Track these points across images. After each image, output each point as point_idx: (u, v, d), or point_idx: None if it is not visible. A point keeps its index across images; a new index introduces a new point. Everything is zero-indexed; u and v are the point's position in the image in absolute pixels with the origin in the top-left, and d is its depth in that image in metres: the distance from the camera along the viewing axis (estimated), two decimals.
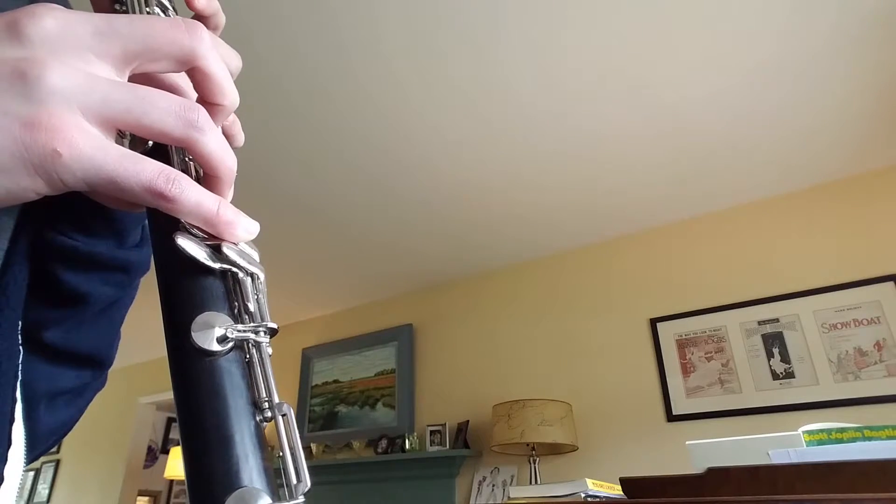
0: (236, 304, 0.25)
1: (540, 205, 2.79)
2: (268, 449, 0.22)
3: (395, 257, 3.33)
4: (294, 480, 0.22)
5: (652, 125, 2.23)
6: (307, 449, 3.59)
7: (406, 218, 2.90)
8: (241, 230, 0.25)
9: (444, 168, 2.50)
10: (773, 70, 1.95)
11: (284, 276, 3.55)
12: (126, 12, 0.30)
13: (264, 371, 0.24)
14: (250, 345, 0.24)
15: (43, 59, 0.21)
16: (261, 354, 0.24)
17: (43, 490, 5.05)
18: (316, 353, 4.04)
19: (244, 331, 0.24)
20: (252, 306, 0.25)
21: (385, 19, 1.75)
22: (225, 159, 0.25)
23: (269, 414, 0.23)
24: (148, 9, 0.31)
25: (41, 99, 0.21)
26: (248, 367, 0.24)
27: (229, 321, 0.23)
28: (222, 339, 0.23)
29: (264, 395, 0.23)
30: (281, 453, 0.22)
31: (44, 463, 5.19)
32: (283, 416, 0.23)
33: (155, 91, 0.23)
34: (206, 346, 0.22)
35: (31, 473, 5.22)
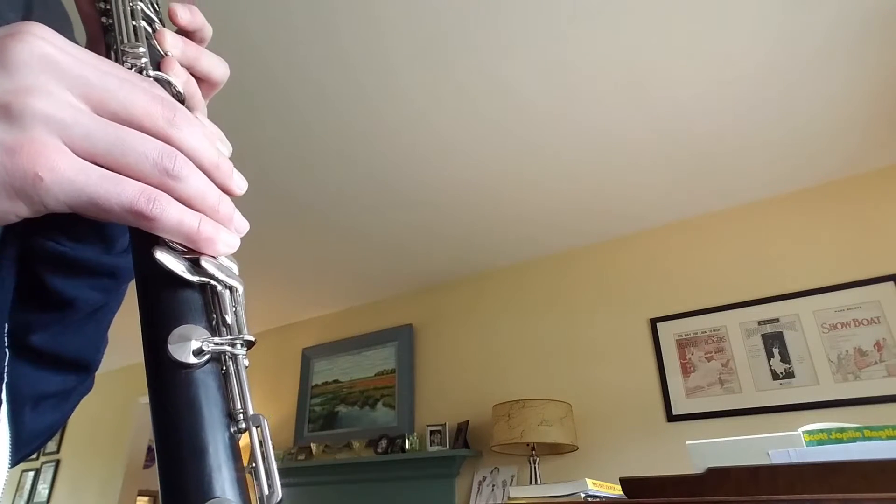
0: (214, 316, 0.25)
1: (540, 205, 2.79)
2: (242, 460, 0.23)
3: (395, 257, 3.33)
4: (266, 492, 0.22)
5: (652, 126, 2.23)
6: (307, 449, 3.59)
7: (406, 218, 2.90)
8: (222, 245, 0.25)
9: (445, 168, 2.50)
10: (772, 70, 1.95)
11: (284, 276, 3.56)
12: (112, 24, 0.31)
13: (240, 383, 0.24)
14: (227, 357, 0.24)
15: (27, 87, 0.22)
16: (237, 367, 0.24)
17: (43, 490, 5.05)
18: (316, 353, 4.04)
19: (221, 343, 0.24)
20: (230, 319, 0.25)
21: (387, 21, 1.75)
22: (204, 200, 0.25)
23: (243, 425, 0.23)
24: (134, 22, 0.31)
25: (23, 125, 0.21)
26: (224, 380, 0.24)
27: (206, 334, 0.24)
28: (199, 352, 0.23)
29: (239, 407, 0.24)
30: (254, 464, 0.22)
31: (44, 463, 5.20)
32: (258, 427, 0.23)
33: (137, 135, 0.24)
34: (182, 359, 0.23)
35: (32, 473, 5.22)
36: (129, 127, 0.24)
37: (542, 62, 1.92)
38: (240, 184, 0.28)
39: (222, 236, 0.25)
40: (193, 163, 0.25)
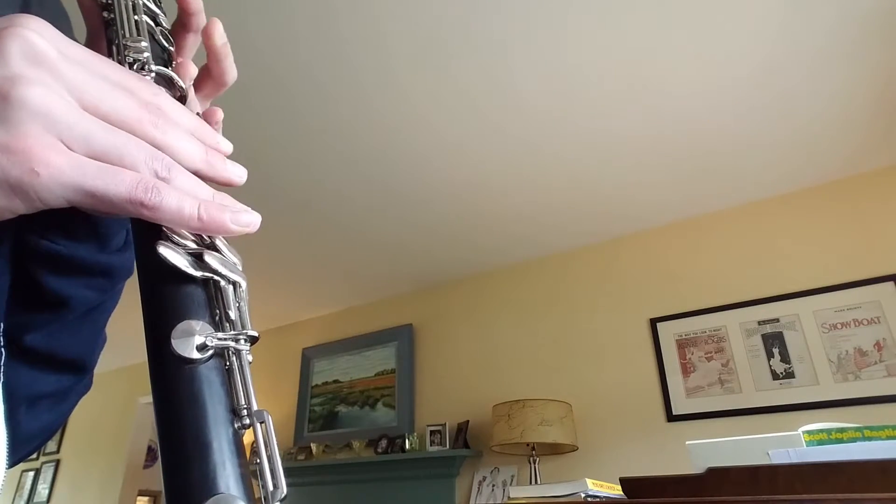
0: (217, 311, 0.25)
1: (540, 205, 2.79)
2: (245, 456, 0.23)
3: (395, 257, 3.33)
4: (271, 487, 0.22)
5: (652, 126, 2.23)
6: (307, 449, 3.59)
7: (407, 218, 2.90)
8: (232, 225, 0.25)
9: (445, 168, 2.50)
10: (772, 70, 1.95)
11: (285, 275, 3.56)
12: (113, 19, 0.31)
13: (244, 378, 0.24)
14: (230, 353, 0.24)
15: (23, 77, 0.22)
16: (241, 362, 0.24)
17: (43, 490, 5.05)
18: (316, 353, 4.04)
19: (224, 339, 0.24)
20: (233, 314, 0.25)
21: (388, 21, 1.75)
22: (197, 196, 0.25)
23: (247, 421, 0.23)
24: (136, 16, 0.31)
25: (21, 120, 0.21)
26: (227, 375, 0.24)
27: (210, 329, 0.24)
28: (202, 347, 0.23)
29: (243, 403, 0.23)
30: (258, 460, 0.22)
31: (44, 463, 5.20)
32: (262, 423, 0.23)
33: (132, 140, 0.24)
34: (185, 354, 0.23)
35: (32, 473, 5.22)
36: (120, 127, 0.24)
37: (543, 62, 1.92)
38: (237, 172, 0.28)
39: (227, 215, 0.25)
40: (182, 164, 0.26)
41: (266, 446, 0.23)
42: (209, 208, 0.24)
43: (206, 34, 0.35)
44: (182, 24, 0.35)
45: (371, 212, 2.84)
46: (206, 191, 0.26)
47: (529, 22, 1.76)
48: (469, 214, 2.87)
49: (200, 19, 0.35)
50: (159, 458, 0.22)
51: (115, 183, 0.22)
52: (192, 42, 0.36)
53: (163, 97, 0.26)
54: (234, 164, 0.28)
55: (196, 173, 0.26)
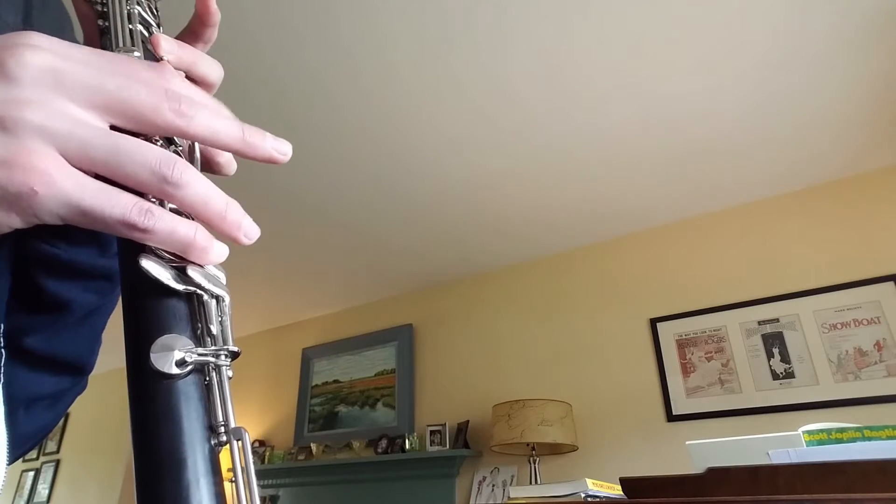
0: (199, 326, 0.25)
1: (540, 205, 2.79)
2: (221, 474, 0.22)
3: (395, 257, 3.33)
4: None
5: (652, 125, 2.23)
6: (307, 449, 3.59)
7: (407, 217, 2.90)
8: (213, 255, 0.25)
9: (445, 167, 2.50)
10: (772, 70, 1.95)
11: (285, 275, 3.55)
12: (108, 26, 0.31)
13: (223, 395, 0.24)
14: (210, 368, 0.24)
15: (25, 99, 0.22)
16: (220, 378, 0.24)
17: (43, 490, 5.05)
18: (316, 353, 4.04)
19: (205, 354, 0.24)
20: (215, 329, 0.25)
21: (389, 20, 1.75)
22: (208, 206, 0.25)
23: (224, 438, 0.23)
24: (131, 25, 0.31)
25: (20, 137, 0.21)
26: (206, 391, 0.24)
27: (190, 344, 0.24)
28: (181, 363, 0.23)
29: (221, 420, 0.23)
30: (234, 479, 0.22)
31: (44, 463, 5.20)
32: (239, 440, 0.23)
33: (134, 143, 0.23)
34: (164, 369, 0.22)
35: (32, 473, 5.22)
36: (139, 125, 0.24)
37: (544, 63, 1.92)
38: (279, 147, 0.27)
39: (216, 246, 0.25)
40: (220, 146, 0.25)
41: (242, 465, 0.22)
42: (201, 237, 0.24)
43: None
44: (194, 34, 0.35)
45: (371, 211, 2.84)
46: (219, 199, 0.25)
47: (531, 24, 1.76)
48: (470, 214, 2.87)
49: (213, 34, 0.35)
50: (134, 474, 0.22)
51: (111, 204, 0.22)
52: (202, 50, 0.36)
53: (177, 80, 0.26)
54: (275, 139, 0.27)
55: (236, 153, 0.26)
